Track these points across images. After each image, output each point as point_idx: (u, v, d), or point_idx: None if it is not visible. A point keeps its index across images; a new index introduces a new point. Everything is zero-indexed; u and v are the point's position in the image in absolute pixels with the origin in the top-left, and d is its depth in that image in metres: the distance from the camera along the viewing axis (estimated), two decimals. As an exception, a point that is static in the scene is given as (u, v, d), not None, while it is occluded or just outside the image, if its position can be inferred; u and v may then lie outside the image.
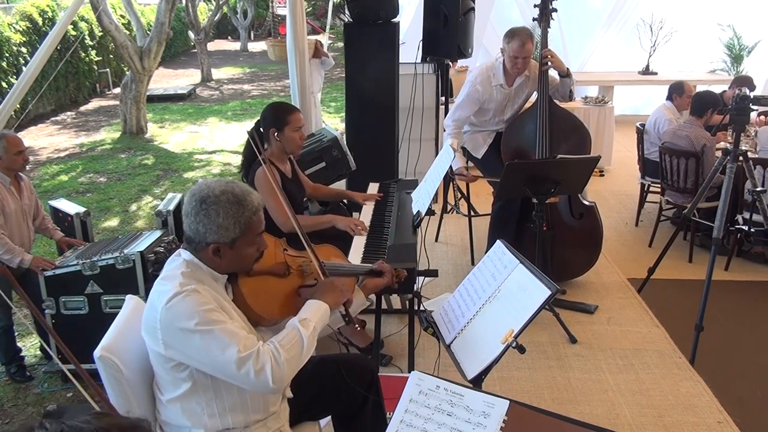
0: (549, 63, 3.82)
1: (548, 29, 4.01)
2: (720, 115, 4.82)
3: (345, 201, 3.95)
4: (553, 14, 4.00)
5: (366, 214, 3.26)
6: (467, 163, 4.50)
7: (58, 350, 3.32)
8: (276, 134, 2.99)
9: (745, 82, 5.45)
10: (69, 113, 11.13)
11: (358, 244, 2.85)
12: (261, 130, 3.08)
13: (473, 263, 4.35)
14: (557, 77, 3.98)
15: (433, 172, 3.21)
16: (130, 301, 2.01)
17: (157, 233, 3.53)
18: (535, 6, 4.00)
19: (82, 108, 11.64)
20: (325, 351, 2.95)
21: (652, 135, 5.16)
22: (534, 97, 4.03)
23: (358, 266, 2.31)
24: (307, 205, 3.52)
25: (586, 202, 3.99)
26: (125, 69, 11.33)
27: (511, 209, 3.93)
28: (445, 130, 4.10)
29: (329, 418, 2.22)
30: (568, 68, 3.94)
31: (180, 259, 1.77)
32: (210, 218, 1.71)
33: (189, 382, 1.72)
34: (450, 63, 5.75)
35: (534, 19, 4.03)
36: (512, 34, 3.82)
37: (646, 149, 5.24)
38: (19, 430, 0.75)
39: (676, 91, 5.23)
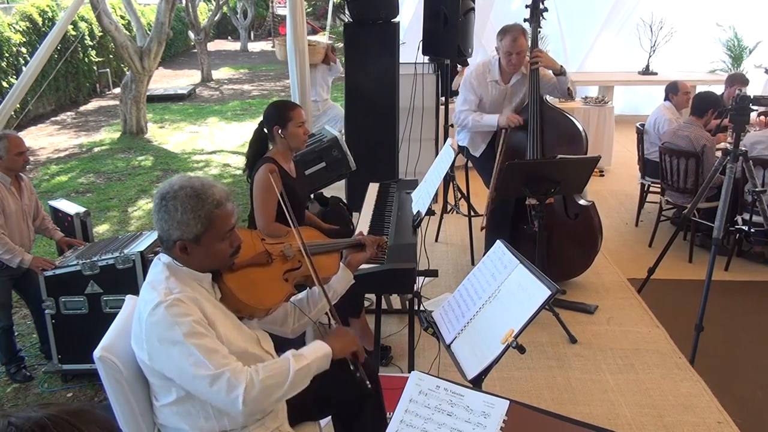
0: (538, 62, 3.81)
1: (539, 29, 4.00)
2: (717, 119, 4.83)
3: (344, 202, 3.95)
4: (544, 14, 3.98)
5: (366, 214, 3.26)
6: (466, 163, 4.50)
7: (59, 350, 3.33)
8: (280, 131, 2.99)
9: (737, 79, 5.48)
10: (69, 113, 11.13)
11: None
12: (265, 129, 3.08)
13: (473, 263, 4.35)
14: (552, 75, 3.97)
15: (433, 172, 3.21)
16: (130, 301, 2.01)
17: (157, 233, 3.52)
18: (526, 6, 3.99)
19: (82, 108, 11.64)
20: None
21: (652, 135, 5.16)
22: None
23: (339, 241, 2.34)
24: (307, 206, 3.52)
25: (581, 202, 3.97)
26: (125, 69, 11.34)
27: (505, 211, 3.93)
28: (456, 125, 4.08)
29: (329, 418, 2.22)
30: (561, 65, 3.92)
31: (160, 263, 1.77)
32: (170, 214, 1.69)
33: (182, 390, 1.70)
34: (458, 66, 5.75)
35: (525, 20, 4.02)
36: (504, 31, 3.83)
37: (646, 149, 5.25)
38: None
39: (672, 90, 5.26)
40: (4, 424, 0.73)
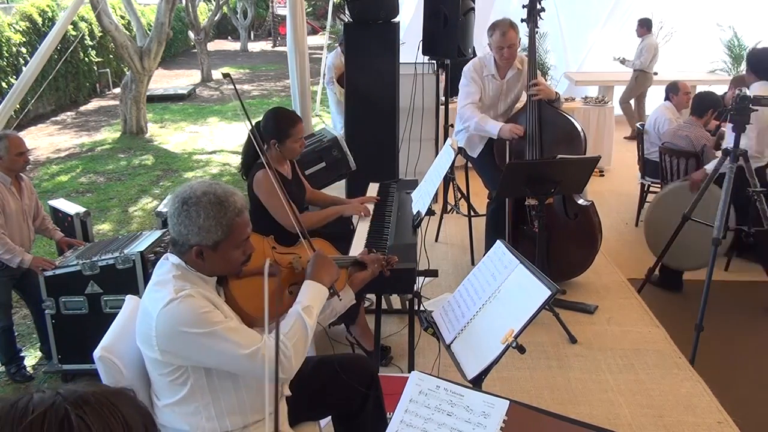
0: (539, 95, 3.79)
1: (537, 29, 4.00)
2: (717, 120, 4.82)
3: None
4: (542, 14, 3.97)
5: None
6: (466, 163, 4.50)
7: (59, 350, 3.33)
8: (276, 145, 2.98)
9: (743, 81, 5.46)
10: (69, 113, 11.13)
11: (358, 243, 2.85)
12: (261, 129, 3.07)
13: (473, 263, 4.35)
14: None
15: (433, 172, 3.21)
16: (130, 301, 2.01)
17: (157, 233, 3.53)
18: (523, 6, 3.99)
19: (82, 108, 11.64)
20: (328, 351, 2.95)
21: (652, 135, 5.17)
22: (524, 97, 4.02)
23: (346, 257, 2.33)
24: (307, 206, 3.53)
25: (581, 202, 3.97)
26: (125, 69, 11.33)
27: (505, 211, 3.93)
28: (463, 123, 4.02)
29: (329, 418, 2.22)
30: (557, 92, 3.95)
31: (168, 263, 1.76)
32: (191, 219, 1.68)
33: (185, 388, 1.71)
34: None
35: (522, 20, 4.02)
36: (493, 26, 3.86)
37: (646, 149, 5.25)
38: (17, 396, 0.84)
39: (672, 90, 5.27)
40: (53, 392, 0.84)
